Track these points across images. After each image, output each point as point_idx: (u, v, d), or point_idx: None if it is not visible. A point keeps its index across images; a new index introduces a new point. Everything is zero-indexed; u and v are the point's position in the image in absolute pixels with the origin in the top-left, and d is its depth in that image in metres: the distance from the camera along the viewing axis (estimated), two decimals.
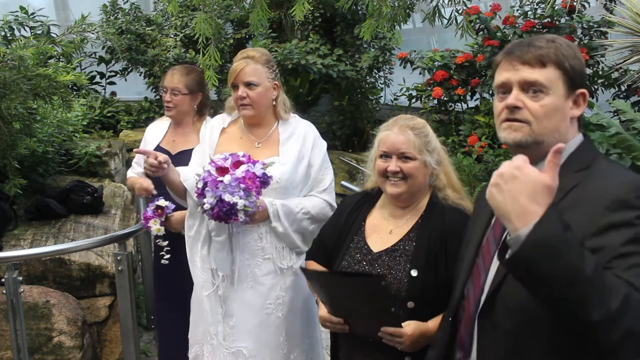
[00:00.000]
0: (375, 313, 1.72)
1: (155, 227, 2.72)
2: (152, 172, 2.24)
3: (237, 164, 2.07)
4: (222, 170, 2.06)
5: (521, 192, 1.08)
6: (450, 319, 1.45)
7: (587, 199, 1.20)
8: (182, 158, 2.73)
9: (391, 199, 1.91)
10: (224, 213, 2.03)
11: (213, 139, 2.38)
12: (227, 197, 2.00)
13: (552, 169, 1.09)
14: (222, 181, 2.03)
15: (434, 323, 1.70)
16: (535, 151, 1.29)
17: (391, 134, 1.83)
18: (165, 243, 2.74)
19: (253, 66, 2.26)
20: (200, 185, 2.08)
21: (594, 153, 1.33)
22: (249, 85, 2.25)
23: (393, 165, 1.81)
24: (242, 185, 2.02)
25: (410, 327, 1.70)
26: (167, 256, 2.72)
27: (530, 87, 1.28)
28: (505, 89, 1.31)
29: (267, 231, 2.24)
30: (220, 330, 2.26)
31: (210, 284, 2.28)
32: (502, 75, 1.32)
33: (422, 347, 1.69)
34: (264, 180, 2.08)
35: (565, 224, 1.07)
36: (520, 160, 1.12)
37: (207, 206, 2.04)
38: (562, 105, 1.28)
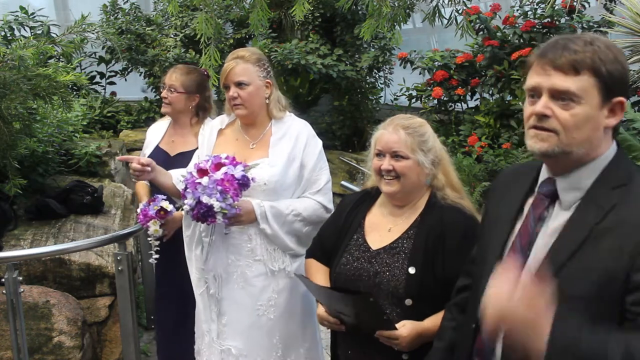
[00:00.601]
0: (369, 320, 1.75)
1: (154, 227, 2.71)
2: (137, 177, 2.26)
3: (218, 165, 2.11)
4: (203, 172, 2.10)
5: (517, 325, 1.11)
6: (474, 325, 1.39)
7: (630, 223, 1.14)
8: (181, 160, 2.73)
9: (387, 197, 1.92)
10: (201, 214, 2.07)
11: (211, 141, 2.39)
12: (204, 199, 2.04)
13: (527, 297, 1.09)
14: (200, 183, 2.06)
15: (430, 322, 1.72)
16: (562, 161, 1.24)
17: (385, 133, 1.85)
18: (157, 242, 2.75)
19: (243, 65, 2.26)
20: (182, 186, 2.14)
21: (630, 166, 1.26)
22: (239, 85, 2.26)
23: (386, 163, 1.83)
24: (219, 188, 2.04)
25: (405, 328, 1.71)
26: (156, 256, 2.72)
27: (561, 95, 1.19)
28: (535, 93, 1.24)
29: (257, 233, 2.24)
30: (214, 328, 2.28)
31: (203, 283, 2.31)
32: (533, 78, 1.24)
33: (419, 346, 1.71)
34: (244, 183, 2.09)
35: (579, 323, 1.08)
36: (503, 294, 1.12)
37: (186, 207, 2.09)
38: (595, 115, 1.19)
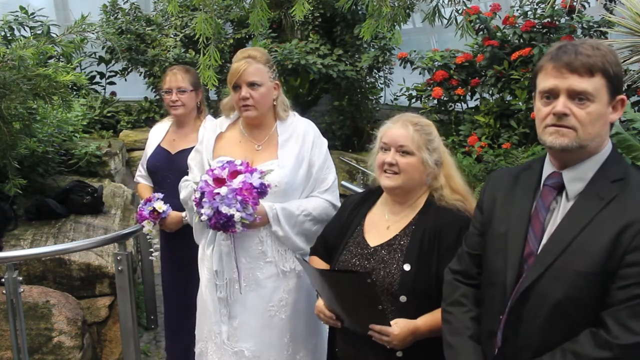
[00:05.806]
0: (364, 309, 1.75)
1: (148, 227, 2.76)
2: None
3: (234, 173, 2.05)
4: (219, 181, 2.04)
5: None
6: (500, 317, 1.43)
7: (629, 211, 1.29)
8: (182, 156, 2.74)
9: (386, 192, 1.92)
10: (221, 224, 2.03)
11: (209, 145, 2.34)
12: (224, 209, 1.99)
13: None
14: (218, 193, 2.00)
15: (423, 321, 1.73)
16: (576, 154, 1.37)
17: (393, 127, 1.87)
18: (156, 240, 2.77)
19: (255, 66, 2.22)
20: (197, 195, 2.07)
21: (625, 162, 1.40)
22: (252, 85, 2.21)
23: (390, 157, 1.84)
24: (239, 197, 1.99)
25: (397, 326, 1.71)
26: (156, 253, 2.74)
27: (578, 95, 1.32)
28: (551, 94, 1.36)
29: (268, 235, 2.22)
30: (225, 329, 2.26)
31: (214, 285, 2.28)
32: (548, 81, 1.36)
33: (411, 343, 1.73)
34: (262, 191, 2.05)
35: None
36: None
37: (204, 217, 2.03)
38: (605, 112, 1.34)
